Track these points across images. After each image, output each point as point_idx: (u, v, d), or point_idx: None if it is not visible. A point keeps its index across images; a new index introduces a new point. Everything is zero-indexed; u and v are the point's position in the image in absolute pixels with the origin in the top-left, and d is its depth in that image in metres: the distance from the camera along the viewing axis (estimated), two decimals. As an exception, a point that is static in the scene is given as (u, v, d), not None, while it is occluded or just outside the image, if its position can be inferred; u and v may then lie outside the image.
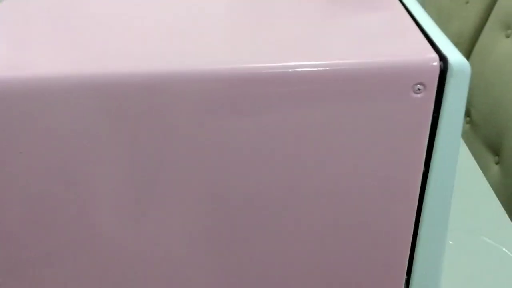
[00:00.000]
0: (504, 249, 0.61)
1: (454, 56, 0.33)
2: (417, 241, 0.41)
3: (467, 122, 1.15)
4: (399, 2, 0.41)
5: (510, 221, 0.67)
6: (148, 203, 0.38)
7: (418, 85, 0.33)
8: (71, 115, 0.34)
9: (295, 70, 0.33)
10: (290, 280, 0.43)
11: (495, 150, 1.02)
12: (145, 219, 0.39)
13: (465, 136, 1.14)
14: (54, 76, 0.33)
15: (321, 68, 0.32)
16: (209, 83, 0.33)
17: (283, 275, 0.42)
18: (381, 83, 0.32)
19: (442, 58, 0.33)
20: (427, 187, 0.38)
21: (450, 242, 0.61)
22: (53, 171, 0.36)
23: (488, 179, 1.04)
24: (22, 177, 0.37)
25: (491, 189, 0.72)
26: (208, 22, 0.40)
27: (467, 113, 1.15)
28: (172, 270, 0.42)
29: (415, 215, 0.39)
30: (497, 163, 1.02)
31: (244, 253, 0.41)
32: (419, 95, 0.33)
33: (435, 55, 0.33)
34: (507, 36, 1.05)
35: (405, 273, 0.43)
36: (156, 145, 0.35)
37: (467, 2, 1.24)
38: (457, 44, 1.23)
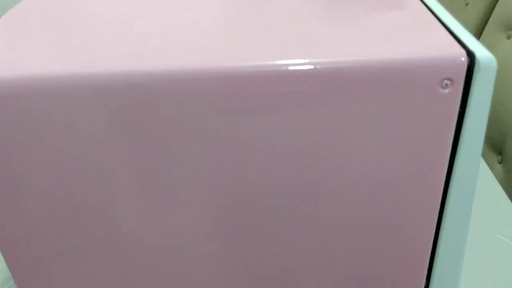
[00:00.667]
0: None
1: (481, 51, 0.33)
2: (438, 240, 0.41)
3: (468, 123, 1.16)
4: (419, 1, 0.42)
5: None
6: (159, 200, 0.38)
7: (446, 81, 0.33)
8: (82, 115, 0.34)
9: (321, 66, 0.33)
10: (308, 281, 0.43)
11: (498, 149, 1.03)
12: (157, 216, 0.39)
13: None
14: (56, 76, 0.33)
15: (350, 65, 0.33)
16: (216, 81, 0.33)
17: (300, 275, 0.42)
18: (410, 78, 0.33)
19: (469, 54, 0.33)
20: (451, 183, 0.38)
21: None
22: (63, 171, 0.36)
23: (491, 179, 1.04)
24: (30, 177, 0.37)
25: (500, 187, 0.73)
26: (211, 19, 0.40)
27: (469, 114, 1.17)
28: (183, 266, 0.42)
29: (438, 213, 0.40)
30: (500, 163, 1.03)
31: (256, 253, 0.41)
32: (446, 90, 0.33)
33: (462, 51, 0.33)
34: (508, 37, 1.06)
35: (425, 276, 0.43)
36: (162, 143, 0.35)
37: (467, 4, 1.25)
38: (457, 46, 1.25)
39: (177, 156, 0.36)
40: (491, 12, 1.14)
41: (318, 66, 0.33)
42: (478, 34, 1.18)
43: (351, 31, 0.37)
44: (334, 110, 0.34)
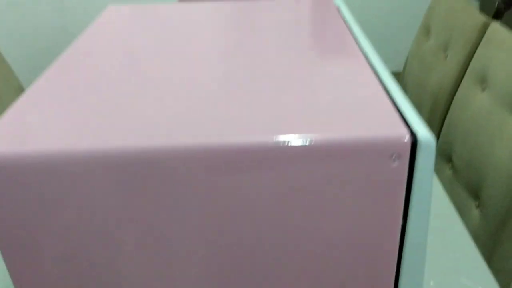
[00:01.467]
0: (481, 288, 0.68)
1: (422, 132, 0.41)
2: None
3: (449, 168, 1.23)
4: (374, 76, 0.49)
5: (484, 262, 0.74)
6: (160, 258, 0.45)
7: (394, 156, 0.40)
8: (92, 187, 0.41)
9: (281, 144, 0.40)
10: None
11: (476, 194, 1.10)
12: (158, 271, 0.45)
13: (448, 181, 1.22)
14: (68, 152, 0.41)
15: (308, 143, 0.40)
16: (202, 155, 0.40)
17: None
18: (361, 154, 0.40)
19: (413, 133, 0.41)
20: (404, 244, 0.45)
21: (431, 284, 0.68)
22: (75, 238, 0.43)
23: (469, 222, 1.11)
24: (44, 242, 0.43)
25: (467, 233, 0.80)
26: (200, 94, 0.48)
27: (449, 160, 1.24)
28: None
29: (394, 269, 0.46)
30: (477, 207, 1.09)
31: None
32: (394, 164, 0.41)
33: (406, 130, 0.40)
34: (483, 90, 1.14)
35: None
36: (166, 208, 0.42)
37: (446, 57, 1.34)
38: (438, 95, 1.33)
39: (177, 221, 0.43)
40: (468, 65, 1.23)
41: (277, 144, 0.40)
42: (456, 85, 1.27)
43: (310, 107, 0.45)
44: (295, 180, 0.41)
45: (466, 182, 1.14)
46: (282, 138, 0.40)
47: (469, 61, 1.23)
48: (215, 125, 0.42)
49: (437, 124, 1.33)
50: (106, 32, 0.69)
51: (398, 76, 1.66)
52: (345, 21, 0.68)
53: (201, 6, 0.79)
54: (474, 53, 1.22)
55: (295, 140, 0.40)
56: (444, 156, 1.26)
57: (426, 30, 1.50)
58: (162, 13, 0.77)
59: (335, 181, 0.41)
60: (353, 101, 0.45)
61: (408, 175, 0.42)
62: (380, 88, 0.47)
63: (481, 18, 1.23)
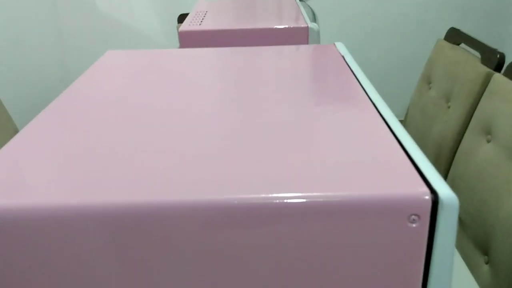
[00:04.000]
0: None
1: (444, 190, 0.37)
2: None
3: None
4: (386, 128, 0.46)
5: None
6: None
7: (413, 216, 0.37)
8: (81, 241, 0.37)
9: (293, 201, 0.37)
10: None
11: (484, 250, 1.06)
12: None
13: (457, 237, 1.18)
14: (60, 205, 0.37)
15: (326, 200, 0.37)
16: (203, 212, 0.37)
17: None
18: (377, 214, 0.37)
19: (433, 191, 0.37)
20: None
21: None
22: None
23: (478, 279, 1.06)
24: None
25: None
26: (200, 150, 0.45)
27: (455, 212, 1.20)
28: None
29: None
30: (486, 263, 1.05)
31: None
32: (414, 225, 0.37)
33: (426, 189, 0.37)
34: (488, 141, 1.12)
35: None
36: (159, 264, 0.38)
37: (448, 107, 1.32)
38: (441, 146, 1.30)
39: (172, 277, 0.39)
40: (471, 116, 1.21)
41: (290, 201, 0.37)
42: (459, 136, 1.24)
43: (322, 164, 0.41)
44: (315, 240, 0.38)
45: (474, 237, 1.09)
46: (295, 195, 0.37)
47: (473, 112, 1.21)
48: (219, 184, 0.39)
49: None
50: (103, 77, 0.66)
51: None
52: (351, 70, 0.66)
53: (201, 52, 0.77)
54: (477, 103, 1.20)
55: (307, 198, 0.37)
56: (449, 208, 1.22)
57: (427, 80, 1.50)
58: (161, 58, 0.75)
59: (348, 242, 0.38)
60: (368, 156, 0.42)
61: (428, 236, 0.38)
62: (394, 141, 0.44)
63: (483, 68, 1.22)
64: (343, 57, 0.73)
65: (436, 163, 1.32)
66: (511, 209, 0.98)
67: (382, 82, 2.73)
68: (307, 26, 1.10)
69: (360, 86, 0.59)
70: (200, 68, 0.69)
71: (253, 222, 0.37)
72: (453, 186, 1.21)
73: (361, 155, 0.42)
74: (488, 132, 1.13)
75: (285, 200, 0.37)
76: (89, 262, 0.38)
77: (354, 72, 0.66)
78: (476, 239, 1.08)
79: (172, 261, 0.38)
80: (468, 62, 1.30)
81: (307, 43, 1.14)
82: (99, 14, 2.55)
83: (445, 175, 1.28)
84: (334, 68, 0.67)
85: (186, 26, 1.11)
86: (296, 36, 1.13)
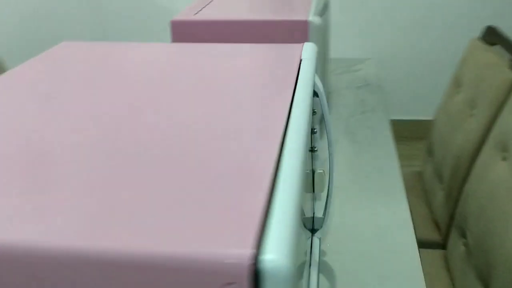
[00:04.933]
0: None
1: (275, 255, 0.29)
2: None
3: (463, 244, 1.07)
4: (270, 174, 0.38)
5: None
6: None
7: (229, 285, 0.29)
8: None
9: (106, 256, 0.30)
10: None
11: (485, 282, 0.94)
12: None
13: (460, 259, 1.06)
14: None
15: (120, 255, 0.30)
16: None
17: None
18: (182, 275, 0.29)
19: (259, 255, 0.29)
20: None
21: None
22: None
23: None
24: None
25: None
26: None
27: (463, 235, 1.07)
28: None
29: None
30: (486, 297, 0.93)
31: None
32: (229, 296, 0.29)
33: (249, 251, 0.29)
34: (503, 159, 0.98)
35: None
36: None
37: (471, 115, 1.19)
38: (459, 159, 1.17)
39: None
40: (491, 128, 1.07)
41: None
42: (478, 149, 1.11)
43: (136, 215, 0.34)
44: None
45: (476, 266, 0.97)
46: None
47: (493, 123, 1.07)
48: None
49: (456, 193, 1.17)
50: (39, 68, 0.62)
51: (429, 124, 1.50)
52: (296, 79, 0.57)
53: (150, 47, 0.71)
54: (499, 113, 1.06)
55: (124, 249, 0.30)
56: (459, 229, 1.10)
57: (457, 82, 1.35)
58: (112, 53, 0.69)
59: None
60: (212, 198, 0.34)
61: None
62: (266, 185, 0.36)
63: (510, 74, 1.08)
64: (301, 61, 0.65)
65: (452, 178, 1.19)
66: (516, 241, 0.85)
67: (415, 78, 2.55)
68: (306, 20, 1.01)
69: (286, 102, 0.50)
70: (131, 66, 0.63)
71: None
72: (465, 205, 1.08)
73: (205, 195, 0.35)
74: (504, 149, 0.99)
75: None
76: None
77: (300, 80, 0.57)
78: (478, 269, 0.96)
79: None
80: (498, 66, 1.15)
81: (307, 38, 1.05)
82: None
83: (460, 190, 1.15)
84: (274, 75, 0.59)
85: (181, 15, 1.05)
86: (294, 31, 1.04)
